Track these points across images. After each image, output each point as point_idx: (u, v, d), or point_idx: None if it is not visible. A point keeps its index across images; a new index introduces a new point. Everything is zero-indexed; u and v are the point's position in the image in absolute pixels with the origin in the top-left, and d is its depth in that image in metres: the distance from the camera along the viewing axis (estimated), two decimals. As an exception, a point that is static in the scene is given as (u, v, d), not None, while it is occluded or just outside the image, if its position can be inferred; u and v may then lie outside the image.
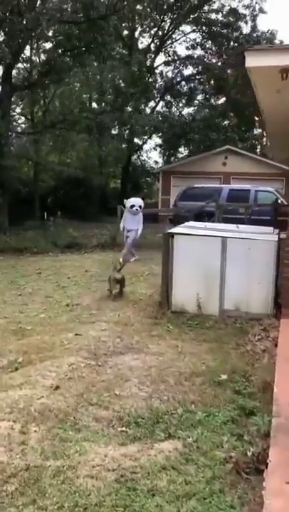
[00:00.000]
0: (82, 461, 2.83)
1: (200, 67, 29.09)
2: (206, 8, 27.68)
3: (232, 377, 3.99)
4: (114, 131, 25.36)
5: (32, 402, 3.57)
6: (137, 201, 11.15)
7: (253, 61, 4.98)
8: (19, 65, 20.84)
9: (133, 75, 22.20)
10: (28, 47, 20.02)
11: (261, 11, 27.55)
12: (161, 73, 29.79)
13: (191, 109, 30.84)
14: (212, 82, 29.64)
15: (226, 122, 29.93)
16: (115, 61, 22.86)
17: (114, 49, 22.87)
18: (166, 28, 27.62)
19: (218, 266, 5.95)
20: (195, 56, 29.27)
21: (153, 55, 28.29)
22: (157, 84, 29.11)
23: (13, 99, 19.84)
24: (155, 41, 28.30)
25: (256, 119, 28.82)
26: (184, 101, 30.67)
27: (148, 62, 27.06)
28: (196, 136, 27.28)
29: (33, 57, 21.98)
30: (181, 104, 30.95)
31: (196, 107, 30.67)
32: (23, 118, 25.36)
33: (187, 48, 29.18)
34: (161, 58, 29.42)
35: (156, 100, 29.02)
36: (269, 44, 21.83)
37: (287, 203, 15.34)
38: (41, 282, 8.65)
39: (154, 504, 2.46)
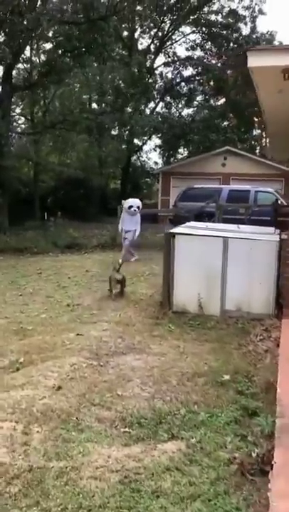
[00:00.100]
0: (85, 462, 2.81)
1: (200, 68, 29.11)
2: (205, 9, 27.72)
3: (234, 378, 3.97)
4: (114, 132, 25.40)
5: (34, 402, 3.55)
6: (134, 202, 11.13)
7: (255, 61, 4.99)
8: (19, 65, 20.89)
9: (133, 76, 22.24)
10: (28, 47, 20.05)
11: (261, 12, 27.70)
12: (161, 74, 29.90)
13: (190, 110, 30.96)
14: (212, 83, 29.65)
15: (225, 123, 29.92)
16: (115, 62, 22.85)
17: (114, 50, 22.88)
18: (166, 29, 27.66)
19: (219, 266, 5.94)
20: (195, 57, 29.34)
21: (153, 56, 28.33)
22: (157, 85, 29.17)
23: (13, 99, 19.85)
24: (155, 42, 28.33)
25: (256, 120, 28.88)
26: (183, 102, 30.72)
27: (148, 63, 27.07)
28: (196, 136, 27.25)
29: (34, 58, 22.06)
30: (180, 105, 31.03)
31: (195, 108, 30.70)
32: (23, 118, 25.42)
33: (187, 49, 29.32)
34: (161, 59, 29.59)
35: (156, 101, 29.08)
36: (268, 45, 21.83)
37: (286, 203, 15.33)
38: (42, 282, 8.63)
39: (158, 506, 2.44)
